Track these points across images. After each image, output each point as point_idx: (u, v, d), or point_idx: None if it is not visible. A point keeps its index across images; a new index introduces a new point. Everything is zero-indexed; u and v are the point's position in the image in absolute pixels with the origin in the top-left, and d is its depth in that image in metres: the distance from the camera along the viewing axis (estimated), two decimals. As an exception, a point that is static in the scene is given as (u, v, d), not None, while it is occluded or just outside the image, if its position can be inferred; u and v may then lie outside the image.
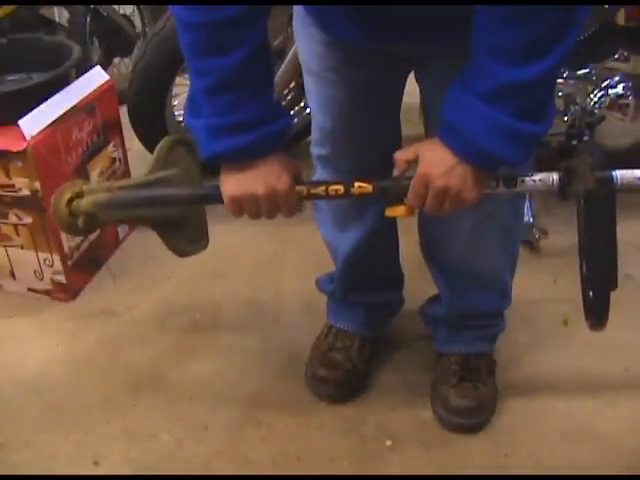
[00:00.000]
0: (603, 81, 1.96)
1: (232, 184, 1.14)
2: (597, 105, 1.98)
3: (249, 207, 1.19)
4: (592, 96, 1.98)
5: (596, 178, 1.12)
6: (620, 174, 1.13)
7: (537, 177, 1.11)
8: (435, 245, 1.45)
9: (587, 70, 1.97)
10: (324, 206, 1.50)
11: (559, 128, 2.00)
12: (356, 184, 1.12)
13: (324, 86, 1.29)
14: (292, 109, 2.32)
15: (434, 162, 1.05)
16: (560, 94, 1.98)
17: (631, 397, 1.53)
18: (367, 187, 1.12)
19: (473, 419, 1.47)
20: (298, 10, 1.27)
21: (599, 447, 1.43)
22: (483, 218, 1.32)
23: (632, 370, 1.59)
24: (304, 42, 1.29)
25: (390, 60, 1.23)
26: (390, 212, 1.16)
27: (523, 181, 1.11)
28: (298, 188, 1.15)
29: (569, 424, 1.47)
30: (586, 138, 1.98)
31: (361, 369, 1.57)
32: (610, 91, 1.95)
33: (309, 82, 1.33)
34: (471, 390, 1.48)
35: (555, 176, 1.12)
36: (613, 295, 1.79)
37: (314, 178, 1.47)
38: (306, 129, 1.54)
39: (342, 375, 1.55)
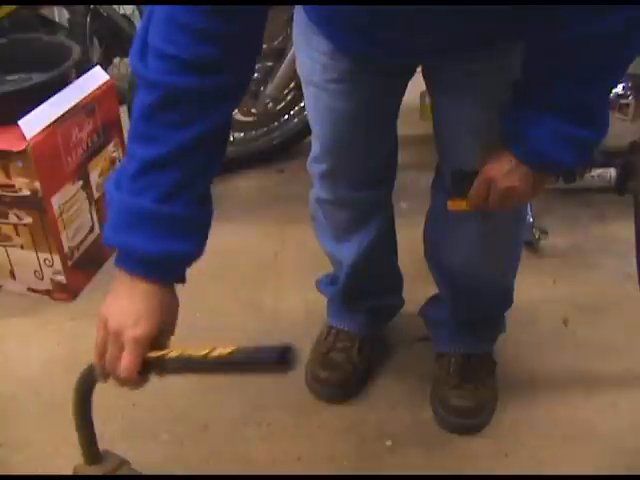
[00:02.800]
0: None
1: (110, 298, 0.98)
2: (597, 105, 1.98)
3: (98, 336, 1.00)
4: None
5: None
6: None
7: (595, 173, 1.14)
8: (439, 248, 1.44)
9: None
10: (322, 219, 1.49)
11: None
12: (216, 351, 0.88)
13: (327, 98, 1.25)
14: (292, 109, 2.32)
15: (497, 164, 1.09)
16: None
17: (631, 397, 1.53)
18: (225, 352, 0.88)
19: (473, 419, 1.47)
20: (300, 20, 1.24)
21: (599, 447, 1.42)
22: (488, 221, 1.32)
23: (632, 370, 1.59)
24: (305, 52, 1.25)
25: (399, 70, 1.23)
26: (452, 206, 1.19)
27: (582, 177, 1.14)
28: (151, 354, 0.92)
29: (569, 424, 1.47)
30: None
31: (361, 369, 1.57)
32: (610, 91, 1.95)
33: (309, 94, 1.30)
34: (471, 391, 1.48)
35: (613, 172, 1.13)
36: (613, 295, 1.80)
37: (311, 195, 1.47)
38: (305, 130, 1.54)
39: (342, 376, 1.55)
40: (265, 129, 2.38)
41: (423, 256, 1.51)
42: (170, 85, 0.90)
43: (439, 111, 1.27)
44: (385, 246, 1.53)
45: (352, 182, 1.37)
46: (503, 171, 1.08)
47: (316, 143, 1.36)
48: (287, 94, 2.27)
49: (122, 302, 0.95)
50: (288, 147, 2.39)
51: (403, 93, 1.31)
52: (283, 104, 2.28)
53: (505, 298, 1.50)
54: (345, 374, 1.55)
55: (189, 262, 0.98)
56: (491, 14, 0.95)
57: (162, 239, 0.92)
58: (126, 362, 0.94)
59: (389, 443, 1.45)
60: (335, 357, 1.57)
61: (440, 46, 1.08)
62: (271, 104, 2.25)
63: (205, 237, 0.99)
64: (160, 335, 0.95)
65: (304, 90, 1.32)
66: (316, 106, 1.29)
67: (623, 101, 1.96)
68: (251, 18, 0.94)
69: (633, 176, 1.11)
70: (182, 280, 0.99)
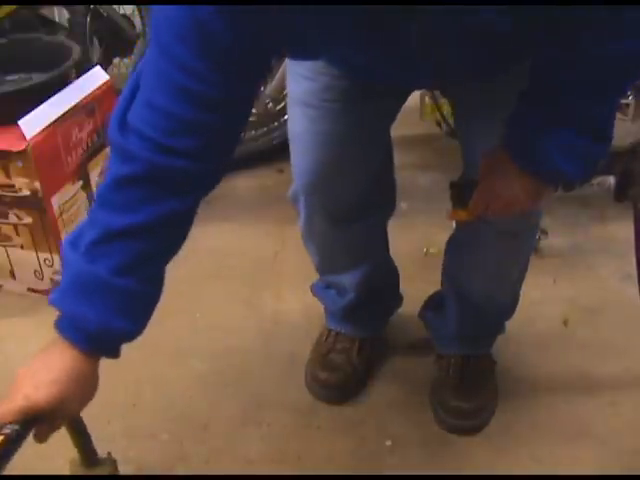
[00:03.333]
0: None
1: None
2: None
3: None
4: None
5: None
6: None
7: (595, 181, 1.13)
8: (459, 274, 1.43)
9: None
10: (314, 252, 1.47)
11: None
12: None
13: (321, 119, 1.20)
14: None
15: (499, 174, 1.07)
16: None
17: (631, 397, 1.53)
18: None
19: (472, 421, 1.47)
20: None
21: (599, 447, 1.42)
22: (509, 244, 1.31)
23: (632, 370, 1.59)
24: (299, 72, 1.21)
25: (399, 92, 1.23)
26: (454, 216, 1.18)
27: (581, 185, 1.13)
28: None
29: (569, 424, 1.47)
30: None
31: (361, 371, 1.57)
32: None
33: (298, 116, 1.24)
34: (471, 391, 1.48)
35: (612, 180, 1.13)
36: (613, 295, 1.80)
37: (301, 227, 1.44)
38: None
39: (342, 377, 1.55)
40: (265, 129, 2.38)
41: (423, 256, 1.50)
42: (149, 162, 0.88)
43: (460, 125, 1.26)
44: (386, 263, 1.53)
45: (343, 211, 1.34)
46: (505, 181, 1.06)
47: (303, 173, 1.30)
48: (287, 94, 2.27)
49: (43, 360, 0.93)
50: (288, 147, 2.38)
51: (401, 107, 1.29)
52: (283, 104, 2.28)
53: (512, 308, 1.49)
54: (345, 375, 1.55)
55: (126, 340, 0.96)
56: (509, 44, 0.93)
57: (108, 313, 0.90)
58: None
59: (389, 443, 1.45)
60: (335, 358, 1.57)
61: (453, 77, 1.08)
62: (271, 104, 2.25)
63: (148, 318, 0.97)
64: (63, 406, 0.90)
65: (291, 113, 1.27)
66: (305, 130, 1.24)
67: (623, 101, 1.96)
68: (235, 111, 0.92)
69: (632, 184, 1.11)
70: (115, 355, 0.97)
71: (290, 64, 1.25)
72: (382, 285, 1.54)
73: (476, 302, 1.42)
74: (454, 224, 1.37)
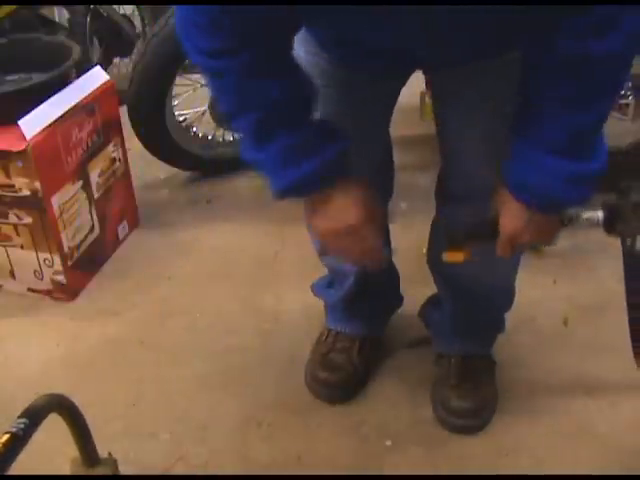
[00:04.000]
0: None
1: (314, 220, 1.10)
2: (597, 105, 1.98)
3: (333, 244, 1.12)
4: (592, 96, 1.98)
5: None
6: None
7: (585, 215, 1.15)
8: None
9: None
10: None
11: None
12: None
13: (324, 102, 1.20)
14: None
15: (512, 219, 1.08)
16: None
17: (631, 397, 1.53)
18: None
19: (473, 420, 1.47)
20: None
21: (599, 447, 1.43)
22: None
23: (632, 370, 1.59)
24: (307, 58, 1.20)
25: (396, 75, 1.22)
26: (450, 257, 1.19)
27: (570, 220, 1.14)
28: None
29: (569, 424, 1.47)
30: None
31: (361, 370, 1.57)
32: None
33: None
34: (471, 391, 1.48)
35: (600, 214, 1.14)
36: (613, 295, 1.79)
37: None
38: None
39: (344, 377, 1.55)
40: (265, 129, 2.38)
41: (423, 256, 1.50)
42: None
43: (441, 113, 1.26)
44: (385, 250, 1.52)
45: None
46: (521, 225, 1.07)
47: None
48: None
49: (331, 213, 1.07)
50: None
51: (399, 94, 1.30)
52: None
53: (507, 299, 1.49)
54: (346, 375, 1.55)
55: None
56: (497, 28, 0.93)
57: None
58: (371, 241, 1.08)
59: (389, 443, 1.45)
60: (335, 358, 1.57)
61: (445, 59, 1.07)
62: (271, 104, 2.24)
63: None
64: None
65: None
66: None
67: (623, 101, 1.96)
68: None
69: (619, 220, 1.13)
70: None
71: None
72: (381, 275, 1.54)
73: (465, 282, 1.40)
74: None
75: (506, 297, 1.49)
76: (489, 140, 1.17)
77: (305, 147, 1.02)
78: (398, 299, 1.64)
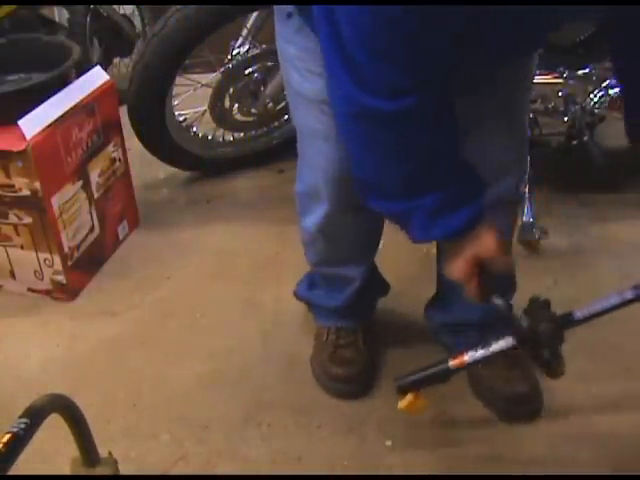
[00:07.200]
0: (603, 81, 1.96)
1: (460, 260, 1.11)
2: (597, 105, 1.98)
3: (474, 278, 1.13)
4: (592, 96, 1.98)
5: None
6: None
7: (493, 347, 1.22)
8: None
9: (587, 70, 1.97)
10: (322, 245, 1.48)
11: (559, 128, 2.01)
12: None
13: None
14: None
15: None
16: (560, 94, 1.98)
17: (631, 397, 1.53)
18: None
19: (533, 404, 1.48)
20: (298, 39, 1.20)
21: (599, 447, 1.42)
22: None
23: (632, 370, 1.59)
24: (309, 72, 1.21)
25: None
26: (403, 405, 1.31)
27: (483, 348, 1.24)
28: None
29: (569, 424, 1.47)
30: (586, 139, 1.98)
31: (369, 358, 1.58)
32: (610, 91, 1.95)
33: (316, 113, 1.22)
34: (520, 376, 1.48)
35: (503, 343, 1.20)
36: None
37: (306, 225, 1.46)
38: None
39: (359, 369, 1.56)
40: (265, 129, 2.38)
41: (424, 256, 1.50)
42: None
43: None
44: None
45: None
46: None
47: (323, 172, 1.31)
48: (292, 92, 2.27)
49: (477, 248, 1.09)
50: (288, 147, 2.39)
51: None
52: (283, 104, 2.28)
53: (509, 282, 1.49)
54: (363, 366, 1.56)
55: None
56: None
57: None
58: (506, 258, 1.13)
59: (389, 443, 1.45)
60: (344, 353, 1.57)
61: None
62: (271, 104, 2.25)
63: None
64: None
65: (303, 110, 1.27)
66: (330, 125, 1.18)
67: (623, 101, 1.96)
68: None
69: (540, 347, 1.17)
70: None
71: (298, 60, 1.23)
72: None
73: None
74: None
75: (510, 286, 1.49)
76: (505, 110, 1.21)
77: (466, 194, 1.05)
78: (386, 285, 1.64)
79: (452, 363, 1.27)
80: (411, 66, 0.94)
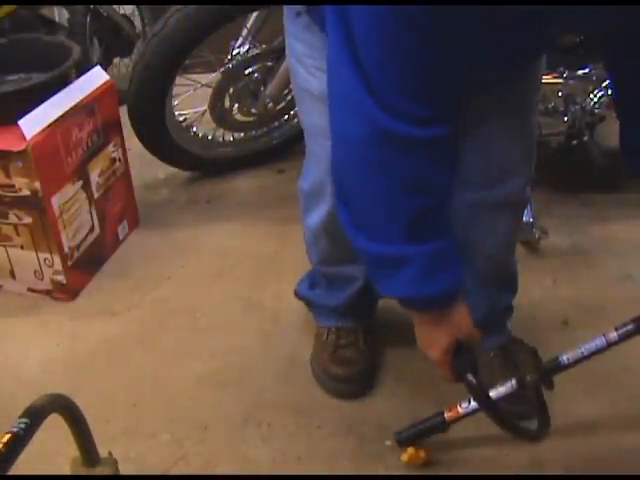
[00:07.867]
0: (603, 81, 1.96)
1: (439, 332, 1.12)
2: (597, 105, 1.98)
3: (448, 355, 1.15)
4: (592, 96, 1.98)
5: None
6: None
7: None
8: (467, 246, 1.39)
9: (587, 70, 1.97)
10: (328, 244, 1.47)
11: (559, 128, 2.01)
12: None
13: None
14: (292, 109, 2.32)
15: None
16: (560, 94, 1.98)
17: (631, 397, 1.53)
18: None
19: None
20: (308, 37, 1.21)
21: (599, 447, 1.42)
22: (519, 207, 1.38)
23: (632, 370, 1.59)
24: (316, 69, 1.21)
25: None
26: (405, 459, 1.37)
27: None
28: None
29: (569, 424, 1.47)
30: (586, 139, 1.98)
31: (370, 358, 1.58)
32: (610, 91, 1.95)
33: (324, 110, 1.18)
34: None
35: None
36: (613, 295, 1.80)
37: (311, 224, 1.46)
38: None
39: (361, 368, 1.56)
40: (265, 129, 2.38)
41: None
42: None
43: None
44: None
45: None
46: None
47: (317, 169, 1.31)
48: (287, 94, 2.27)
49: (441, 328, 1.11)
50: (288, 147, 2.39)
51: None
52: (283, 104, 2.28)
53: (512, 282, 1.49)
54: (363, 365, 1.56)
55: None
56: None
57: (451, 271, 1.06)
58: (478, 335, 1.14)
59: (389, 443, 1.45)
60: (344, 353, 1.57)
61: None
62: (271, 104, 2.24)
63: None
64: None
65: (309, 106, 1.27)
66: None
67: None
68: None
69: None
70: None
71: (305, 57, 1.24)
72: None
73: (484, 268, 1.38)
74: None
75: (514, 282, 1.49)
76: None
77: (453, 254, 1.05)
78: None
79: (448, 415, 1.34)
80: (431, 97, 0.94)
